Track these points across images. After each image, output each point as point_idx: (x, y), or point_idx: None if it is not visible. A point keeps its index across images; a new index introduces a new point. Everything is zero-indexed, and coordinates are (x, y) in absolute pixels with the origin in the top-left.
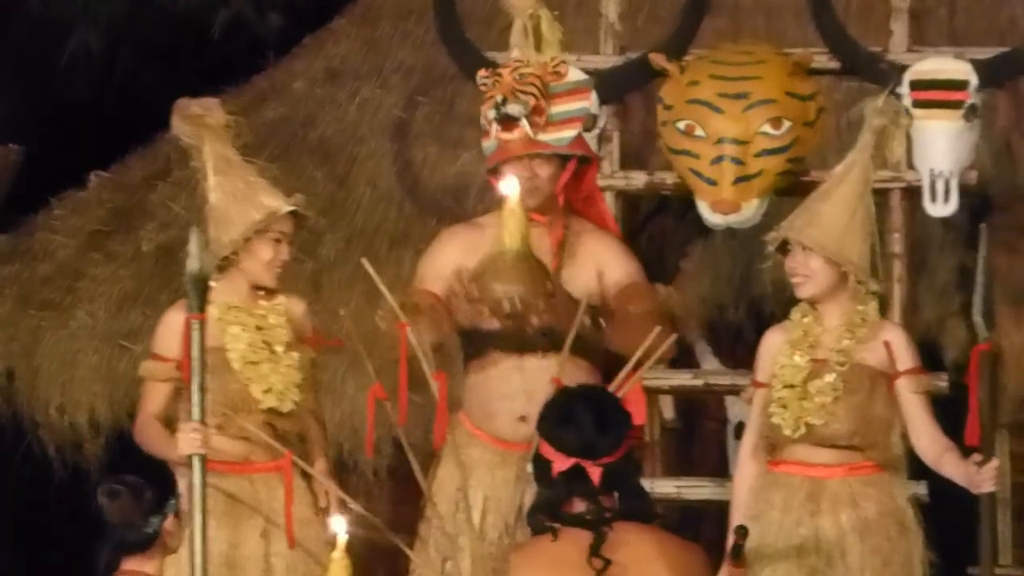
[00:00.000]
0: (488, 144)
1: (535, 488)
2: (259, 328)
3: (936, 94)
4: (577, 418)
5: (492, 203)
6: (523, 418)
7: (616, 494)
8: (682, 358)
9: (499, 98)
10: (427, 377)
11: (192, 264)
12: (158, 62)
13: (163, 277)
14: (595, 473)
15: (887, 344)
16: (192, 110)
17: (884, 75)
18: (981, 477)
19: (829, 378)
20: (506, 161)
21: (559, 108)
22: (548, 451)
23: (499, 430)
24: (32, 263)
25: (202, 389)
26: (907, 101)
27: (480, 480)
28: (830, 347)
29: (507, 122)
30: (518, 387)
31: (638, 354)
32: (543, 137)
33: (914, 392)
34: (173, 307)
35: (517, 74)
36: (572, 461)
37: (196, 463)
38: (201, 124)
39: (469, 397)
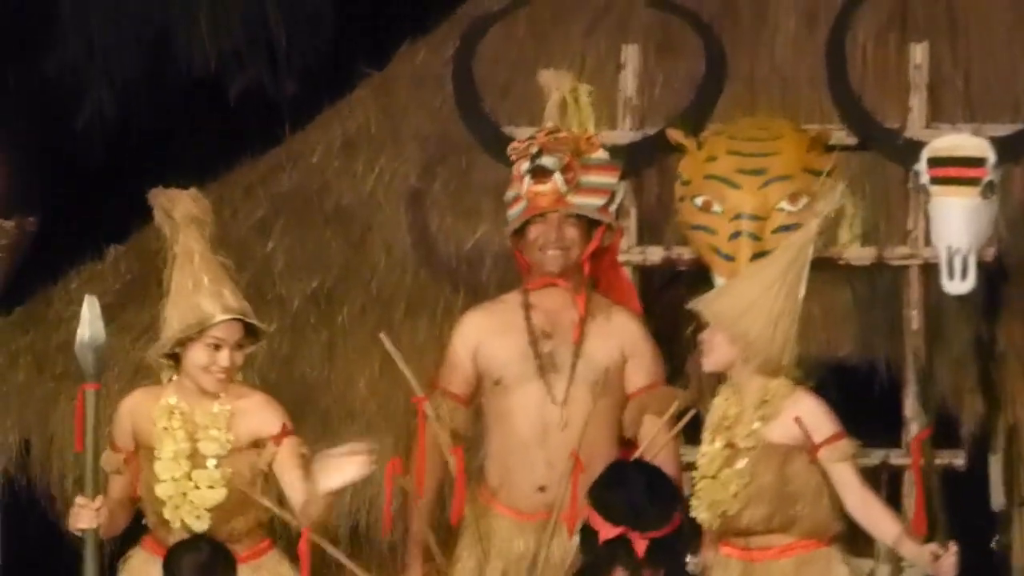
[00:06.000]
0: (514, 211)
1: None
2: (193, 438)
3: (954, 171)
4: (628, 488)
5: (508, 273)
6: (543, 488)
7: (661, 571)
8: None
9: (535, 149)
10: (445, 453)
11: (83, 331)
12: (176, 130)
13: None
14: (641, 545)
15: (798, 420)
16: (161, 201)
17: (901, 151)
18: (942, 568)
19: (740, 464)
20: (533, 220)
21: (589, 177)
22: (596, 520)
23: (517, 500)
24: (48, 333)
25: (96, 460)
26: (925, 178)
27: (498, 552)
28: (744, 431)
29: (541, 175)
30: (538, 458)
31: (659, 425)
32: (574, 200)
33: (836, 461)
34: (130, 395)
35: (552, 137)
36: (619, 530)
37: (89, 539)
38: (169, 215)
39: (488, 466)
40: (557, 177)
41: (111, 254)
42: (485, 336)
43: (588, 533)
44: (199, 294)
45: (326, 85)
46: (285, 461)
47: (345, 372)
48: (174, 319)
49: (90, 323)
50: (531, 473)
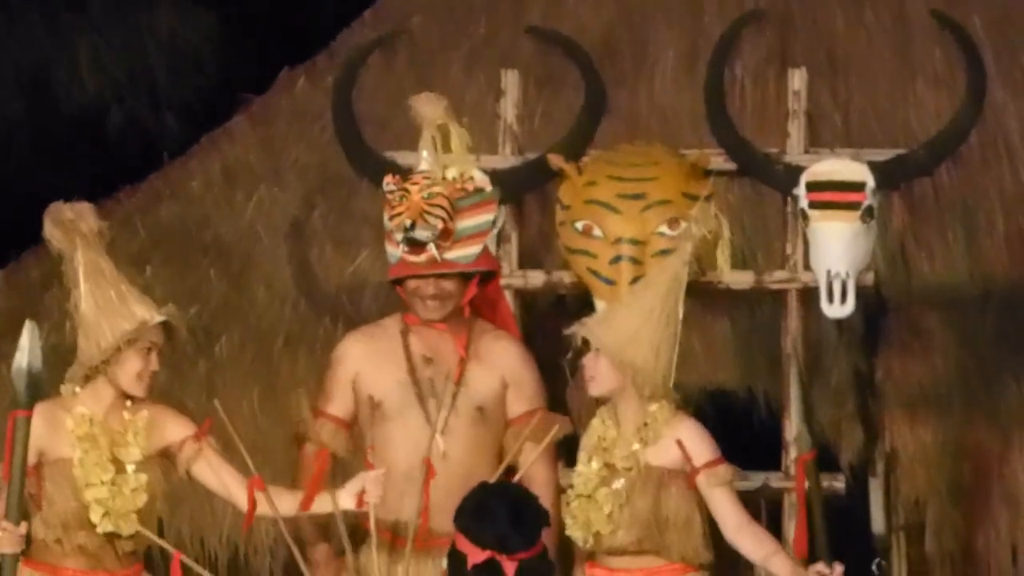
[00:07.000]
0: (393, 252)
1: None
2: (113, 444)
3: (832, 195)
4: (493, 511)
5: (388, 303)
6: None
7: None
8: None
9: (407, 222)
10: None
11: (20, 359)
12: (53, 160)
13: (58, 378)
14: (510, 567)
15: (679, 443)
16: (64, 215)
17: (780, 176)
18: None
19: (617, 485)
20: (410, 276)
21: (465, 223)
22: (464, 544)
23: (397, 526)
24: None
25: (21, 485)
26: (803, 202)
27: None
28: (623, 452)
29: (415, 246)
30: (418, 485)
31: (538, 451)
32: (449, 256)
33: (715, 486)
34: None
35: (426, 193)
36: (487, 554)
37: (7, 564)
38: (73, 230)
39: None
40: (431, 248)
41: None
42: (365, 361)
43: (456, 557)
44: (128, 302)
45: (204, 114)
46: (212, 458)
47: (223, 404)
48: (106, 330)
49: (29, 350)
50: (412, 500)
